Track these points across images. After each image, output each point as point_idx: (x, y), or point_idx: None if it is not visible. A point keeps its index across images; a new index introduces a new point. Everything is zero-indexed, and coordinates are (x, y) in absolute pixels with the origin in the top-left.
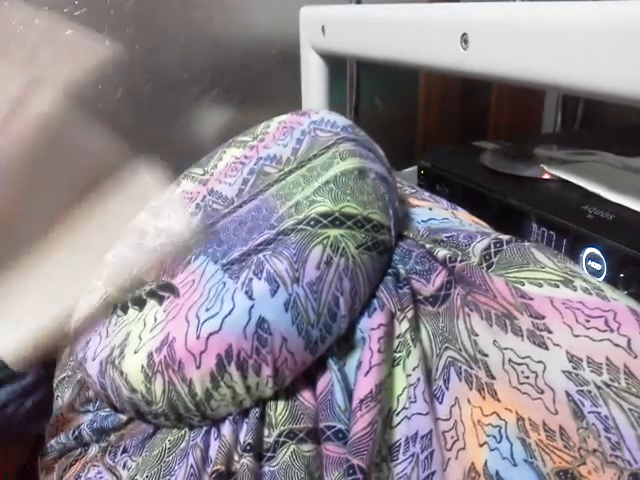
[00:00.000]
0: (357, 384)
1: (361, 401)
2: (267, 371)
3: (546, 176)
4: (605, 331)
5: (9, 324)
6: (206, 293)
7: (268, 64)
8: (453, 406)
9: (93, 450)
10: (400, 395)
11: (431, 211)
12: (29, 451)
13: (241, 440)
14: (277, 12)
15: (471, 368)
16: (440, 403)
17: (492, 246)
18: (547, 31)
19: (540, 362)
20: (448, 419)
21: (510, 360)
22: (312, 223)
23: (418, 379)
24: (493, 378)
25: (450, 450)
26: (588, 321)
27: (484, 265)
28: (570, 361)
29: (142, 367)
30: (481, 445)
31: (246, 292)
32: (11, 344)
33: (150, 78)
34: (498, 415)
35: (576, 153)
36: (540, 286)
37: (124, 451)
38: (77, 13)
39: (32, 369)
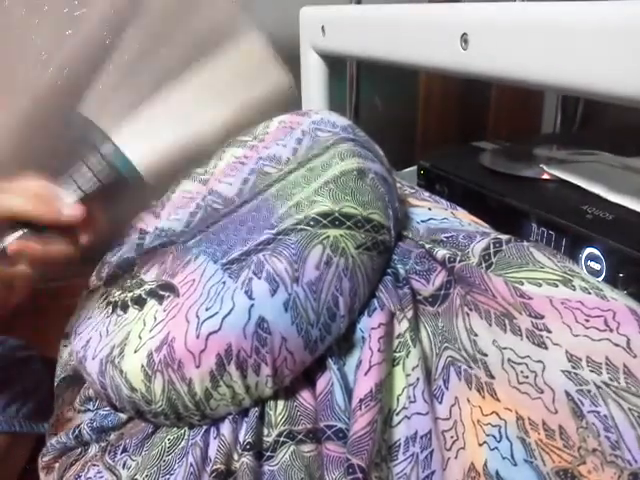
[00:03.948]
0: (357, 383)
1: (361, 400)
2: (266, 370)
3: (545, 176)
4: (604, 330)
5: (142, 132)
6: (206, 293)
7: None
8: (453, 406)
9: (93, 449)
10: (400, 395)
11: (430, 211)
12: (30, 451)
13: (241, 439)
14: (277, 12)
15: (470, 368)
16: (440, 403)
17: (491, 246)
18: (547, 31)
19: (539, 361)
20: (448, 419)
21: (509, 360)
22: (312, 223)
23: (418, 379)
24: (492, 378)
25: (450, 450)
26: (587, 320)
27: (483, 265)
28: (569, 360)
29: (142, 366)
30: (481, 445)
31: (246, 292)
32: (143, 150)
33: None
34: (498, 414)
35: (576, 153)
36: (539, 286)
37: (124, 450)
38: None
39: None
